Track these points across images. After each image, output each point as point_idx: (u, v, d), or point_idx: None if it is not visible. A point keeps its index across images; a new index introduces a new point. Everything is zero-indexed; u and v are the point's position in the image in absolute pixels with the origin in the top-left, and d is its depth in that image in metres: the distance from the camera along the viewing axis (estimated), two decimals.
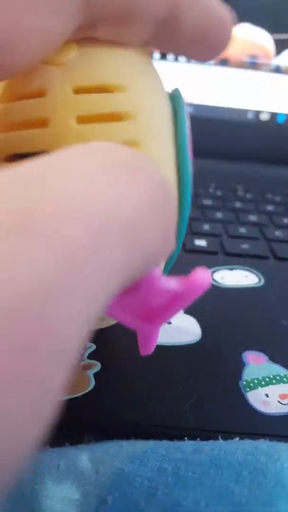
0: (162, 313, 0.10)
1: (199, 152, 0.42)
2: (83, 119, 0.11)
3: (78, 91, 0.11)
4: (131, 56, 0.12)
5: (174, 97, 0.13)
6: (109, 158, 0.08)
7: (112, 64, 0.11)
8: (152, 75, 0.13)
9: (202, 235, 0.29)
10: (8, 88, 0.11)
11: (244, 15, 0.40)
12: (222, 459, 0.14)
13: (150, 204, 0.08)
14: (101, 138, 0.11)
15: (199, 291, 0.10)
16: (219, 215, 0.31)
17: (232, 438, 0.15)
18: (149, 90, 0.12)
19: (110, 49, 0.11)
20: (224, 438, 0.15)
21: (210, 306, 0.21)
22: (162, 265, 0.10)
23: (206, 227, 0.29)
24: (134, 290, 0.10)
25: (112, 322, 0.17)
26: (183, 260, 0.26)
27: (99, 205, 0.07)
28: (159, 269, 0.10)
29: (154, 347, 0.12)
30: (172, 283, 0.10)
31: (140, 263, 0.08)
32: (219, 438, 0.15)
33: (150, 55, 0.13)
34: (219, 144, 0.41)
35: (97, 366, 0.17)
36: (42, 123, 0.10)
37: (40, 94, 0.10)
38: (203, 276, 0.10)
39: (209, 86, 0.42)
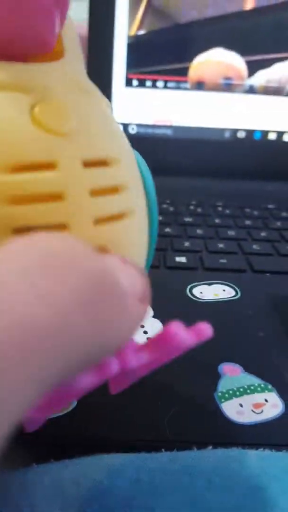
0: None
1: (180, 171, 0.44)
2: (95, 192, 0.11)
3: (85, 164, 0.11)
4: (108, 118, 0.12)
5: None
6: (37, 256, 0.08)
7: (108, 137, 0.12)
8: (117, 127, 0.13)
9: (183, 251, 0.30)
10: (5, 153, 0.10)
11: (216, 40, 0.43)
12: (195, 467, 0.14)
13: (79, 303, 0.08)
14: (110, 207, 0.11)
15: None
16: (199, 231, 0.33)
17: (205, 447, 0.16)
18: (129, 152, 0.13)
19: (99, 123, 0.12)
20: (199, 448, 0.16)
21: (189, 322, 0.22)
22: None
23: (186, 244, 0.31)
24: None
25: None
26: (163, 276, 0.27)
27: (12, 313, 0.07)
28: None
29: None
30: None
31: (71, 363, 0.08)
32: (194, 448, 0.16)
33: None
34: (198, 163, 0.42)
35: None
36: (56, 197, 0.10)
37: (51, 166, 0.10)
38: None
39: (187, 108, 0.44)
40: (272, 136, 0.44)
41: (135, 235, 0.13)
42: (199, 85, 0.43)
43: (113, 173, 0.12)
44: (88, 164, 0.11)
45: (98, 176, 0.11)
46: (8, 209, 0.10)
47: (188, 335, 0.11)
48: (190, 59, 0.42)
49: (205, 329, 0.11)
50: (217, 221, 0.35)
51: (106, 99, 0.14)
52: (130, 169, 0.13)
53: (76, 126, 0.11)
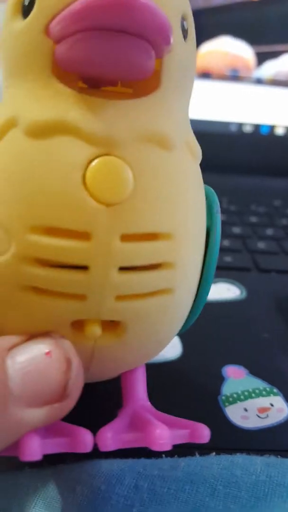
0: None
1: None
2: (124, 268, 0.10)
3: (124, 239, 0.10)
4: (185, 192, 0.11)
5: (209, 199, 0.14)
6: None
7: (166, 209, 0.10)
8: (198, 197, 0.12)
9: None
10: (43, 213, 0.10)
11: (224, 28, 0.41)
12: (198, 474, 0.14)
13: None
14: (138, 285, 0.11)
15: None
16: None
17: (208, 453, 0.15)
18: (194, 232, 0.12)
19: (167, 183, 0.11)
20: (201, 454, 0.15)
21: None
22: None
23: None
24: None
25: None
26: None
27: None
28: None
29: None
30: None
31: None
32: (196, 454, 0.15)
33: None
34: (203, 157, 0.42)
35: None
36: (81, 268, 0.10)
37: (84, 237, 0.10)
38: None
39: (191, 100, 0.43)
40: (279, 131, 0.43)
41: (163, 315, 0.12)
42: (205, 76, 0.42)
43: (157, 248, 0.11)
44: (128, 238, 0.10)
45: (137, 253, 0.10)
46: (28, 268, 0.10)
47: (172, 439, 0.11)
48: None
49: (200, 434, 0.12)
50: (221, 218, 0.34)
51: (197, 152, 0.13)
52: (185, 245, 0.11)
53: (130, 194, 0.10)
